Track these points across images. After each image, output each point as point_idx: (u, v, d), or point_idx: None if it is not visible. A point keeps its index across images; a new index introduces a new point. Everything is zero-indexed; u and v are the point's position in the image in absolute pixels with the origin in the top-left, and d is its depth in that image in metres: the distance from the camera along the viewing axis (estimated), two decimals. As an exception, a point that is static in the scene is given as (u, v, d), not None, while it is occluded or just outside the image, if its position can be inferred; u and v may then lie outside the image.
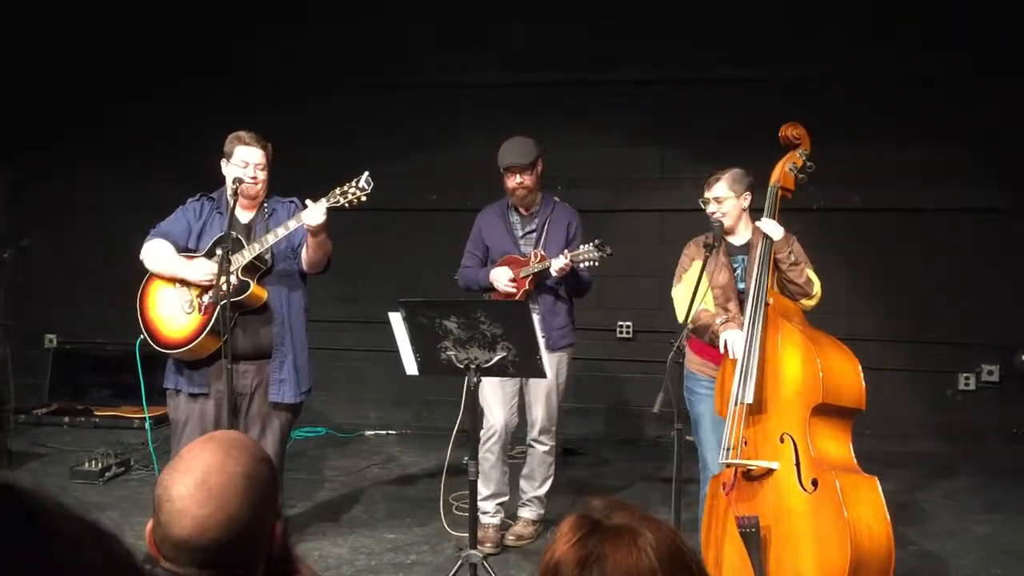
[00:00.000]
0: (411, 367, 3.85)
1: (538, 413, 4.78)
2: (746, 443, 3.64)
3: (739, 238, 4.18)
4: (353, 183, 3.96)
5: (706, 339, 4.07)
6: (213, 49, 7.26)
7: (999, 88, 6.31)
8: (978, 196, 6.41)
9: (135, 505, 5.21)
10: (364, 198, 3.96)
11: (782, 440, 3.57)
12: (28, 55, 7.45)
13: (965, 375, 6.57)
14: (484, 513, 4.70)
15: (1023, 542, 4.77)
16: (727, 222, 4.11)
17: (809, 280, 3.96)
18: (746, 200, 4.15)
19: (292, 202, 4.31)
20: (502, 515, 4.83)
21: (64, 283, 7.60)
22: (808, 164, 4.04)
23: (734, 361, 3.78)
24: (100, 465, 5.68)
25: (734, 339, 3.80)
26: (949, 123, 6.36)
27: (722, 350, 3.87)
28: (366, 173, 3.98)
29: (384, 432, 7.11)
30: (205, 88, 7.20)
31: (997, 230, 6.44)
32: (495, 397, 4.69)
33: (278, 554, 1.65)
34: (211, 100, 6.97)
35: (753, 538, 3.50)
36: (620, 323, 7.00)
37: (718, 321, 3.95)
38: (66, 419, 7.09)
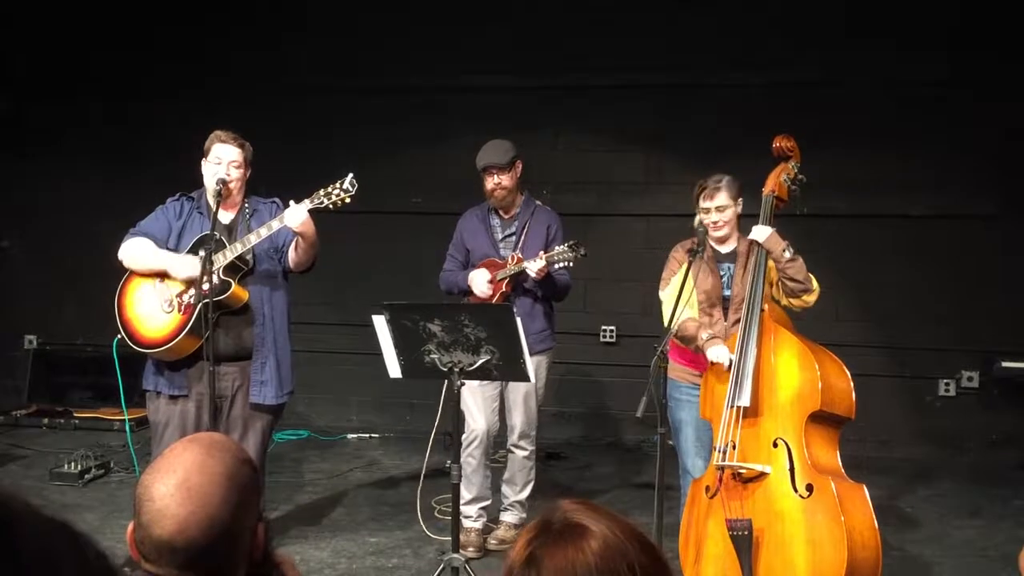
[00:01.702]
0: (394, 370, 3.83)
1: (517, 418, 4.78)
2: (734, 446, 3.65)
3: (727, 246, 4.18)
4: (337, 184, 3.94)
5: (692, 348, 4.07)
6: (201, 52, 7.23)
7: (984, 96, 6.36)
8: (961, 202, 6.45)
9: (115, 507, 5.18)
10: (348, 200, 3.94)
11: (775, 445, 3.58)
12: (11, 57, 7.39)
13: (945, 381, 6.61)
14: (466, 517, 4.69)
15: (1003, 547, 4.79)
16: (727, 231, 4.11)
17: (808, 275, 3.96)
18: (739, 206, 4.15)
19: (274, 202, 4.29)
20: (484, 519, 4.82)
21: (44, 284, 7.54)
22: (799, 176, 4.07)
23: (721, 367, 3.79)
24: (80, 467, 5.64)
25: (721, 356, 3.79)
26: (934, 130, 6.41)
27: (710, 365, 3.87)
28: (350, 175, 3.95)
29: (367, 435, 7.09)
30: (190, 90, 7.16)
31: (978, 236, 6.48)
32: (475, 402, 4.68)
33: (259, 557, 1.64)
34: (196, 102, 6.93)
35: (744, 541, 3.50)
36: (604, 327, 7.01)
37: (704, 337, 3.92)
38: (45, 421, 7.03)
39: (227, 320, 4.12)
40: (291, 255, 4.20)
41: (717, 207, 4.08)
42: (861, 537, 3.42)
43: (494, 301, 4.59)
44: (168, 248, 4.19)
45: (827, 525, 3.41)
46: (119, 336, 4.21)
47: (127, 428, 5.55)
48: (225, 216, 4.23)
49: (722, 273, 4.13)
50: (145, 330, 4.13)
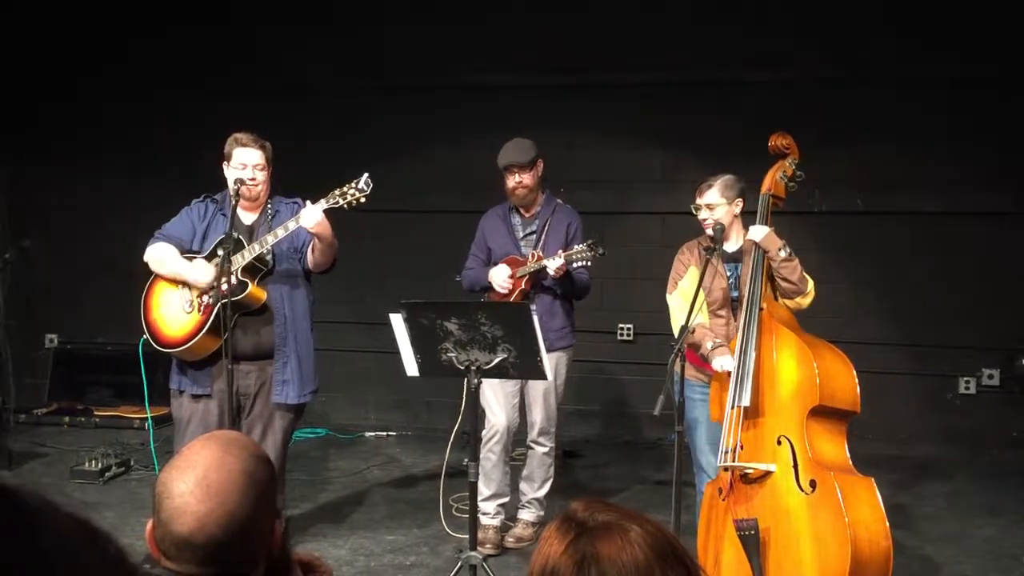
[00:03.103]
0: (411, 368, 3.84)
1: (537, 415, 4.79)
2: (742, 446, 3.65)
3: (731, 245, 4.17)
4: (352, 184, 3.95)
5: (699, 354, 4.08)
6: (215, 50, 7.26)
7: (1002, 90, 6.31)
8: (981, 199, 6.41)
9: (135, 505, 5.21)
10: (364, 199, 3.94)
11: (779, 442, 3.58)
12: (29, 56, 7.45)
13: (966, 379, 6.56)
14: (484, 514, 4.70)
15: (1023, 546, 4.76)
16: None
17: (803, 277, 3.95)
18: (738, 206, 4.13)
19: (295, 202, 4.31)
20: (502, 516, 4.83)
21: (65, 283, 7.60)
22: (797, 173, 4.06)
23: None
24: (100, 465, 5.68)
25: (726, 365, 3.78)
26: (952, 126, 6.36)
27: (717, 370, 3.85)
28: (365, 174, 3.95)
29: (384, 433, 7.10)
30: (207, 89, 7.20)
31: (999, 233, 6.43)
32: (496, 397, 4.70)
33: (278, 554, 1.65)
34: (213, 101, 6.97)
35: (752, 541, 3.50)
36: (621, 325, 7.00)
37: (709, 346, 3.93)
38: (66, 419, 7.08)
39: (245, 320, 4.15)
40: (309, 256, 4.22)
41: (707, 205, 4.09)
42: (867, 531, 3.39)
43: (512, 299, 4.60)
44: (192, 250, 4.24)
45: (831, 521, 3.39)
46: (145, 336, 4.26)
47: (150, 426, 5.59)
48: (248, 217, 4.27)
49: (729, 273, 4.12)
50: (167, 330, 4.20)
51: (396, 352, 3.88)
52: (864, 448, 3.74)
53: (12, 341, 6.88)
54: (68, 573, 0.77)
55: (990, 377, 6.52)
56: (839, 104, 6.43)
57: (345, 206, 3.95)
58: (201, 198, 4.37)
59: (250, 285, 4.10)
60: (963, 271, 6.47)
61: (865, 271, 6.56)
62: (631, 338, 7.01)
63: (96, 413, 7.11)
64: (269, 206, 4.30)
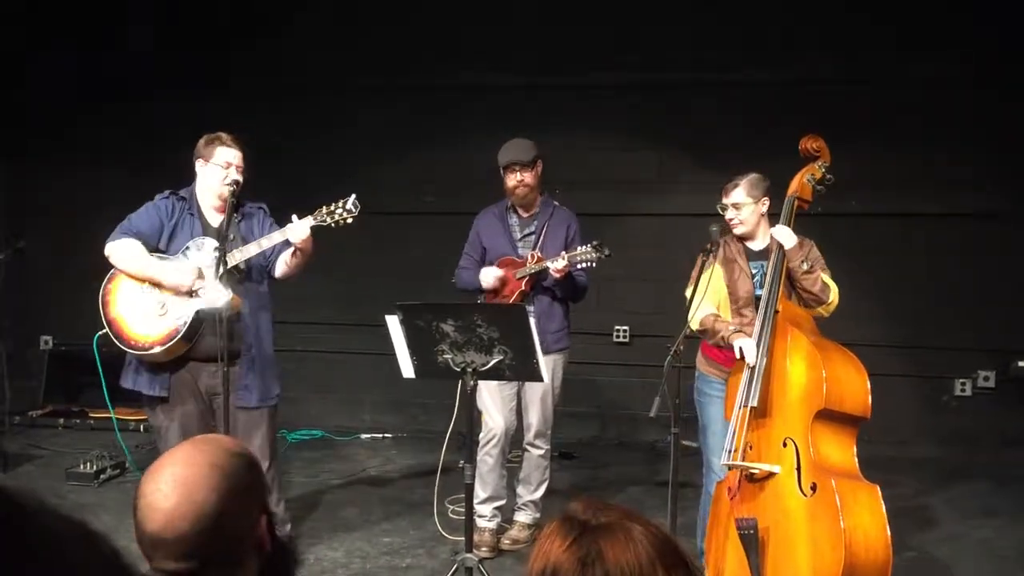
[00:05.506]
0: (408, 370, 3.84)
1: (533, 417, 4.78)
2: (751, 447, 3.65)
3: (758, 243, 4.15)
4: (340, 204, 3.94)
5: (711, 343, 4.05)
6: (215, 50, 7.25)
7: (999, 92, 6.32)
8: (977, 201, 6.42)
9: (130, 507, 5.17)
10: (351, 220, 3.95)
11: (784, 444, 3.58)
12: (25, 56, 7.44)
13: (961, 381, 6.57)
14: (481, 516, 4.69)
15: (1020, 547, 4.77)
16: (745, 228, 4.10)
17: (825, 287, 3.93)
18: (764, 205, 4.12)
19: (261, 207, 4.29)
20: (499, 519, 4.82)
21: (60, 285, 7.58)
22: (827, 176, 4.04)
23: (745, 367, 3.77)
24: (95, 467, 5.67)
25: (747, 346, 3.75)
26: (949, 127, 6.37)
27: (738, 357, 3.81)
28: (353, 196, 3.96)
29: (380, 435, 7.09)
30: (203, 90, 7.18)
31: (995, 235, 6.44)
32: (494, 401, 4.69)
33: (271, 551, 1.63)
34: (212, 101, 6.95)
35: (751, 540, 3.51)
36: (617, 327, 7.00)
37: (730, 329, 3.90)
38: (61, 421, 7.07)
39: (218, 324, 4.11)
40: (282, 266, 4.18)
41: (733, 204, 4.08)
42: (865, 538, 3.38)
43: (512, 300, 4.59)
44: (158, 249, 4.14)
45: (827, 524, 3.39)
46: (103, 331, 4.15)
47: (115, 427, 5.56)
48: (215, 219, 4.20)
49: (754, 271, 4.10)
50: (133, 331, 4.09)
51: (392, 354, 3.87)
52: (860, 450, 3.73)
53: (7, 342, 6.86)
54: (64, 574, 0.77)
55: (985, 379, 6.54)
56: (839, 105, 6.43)
57: (332, 225, 3.95)
58: (166, 194, 4.24)
59: (232, 294, 4.06)
60: (959, 272, 6.48)
61: (861, 272, 6.55)
62: (627, 340, 7.01)
63: (91, 415, 7.09)
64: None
